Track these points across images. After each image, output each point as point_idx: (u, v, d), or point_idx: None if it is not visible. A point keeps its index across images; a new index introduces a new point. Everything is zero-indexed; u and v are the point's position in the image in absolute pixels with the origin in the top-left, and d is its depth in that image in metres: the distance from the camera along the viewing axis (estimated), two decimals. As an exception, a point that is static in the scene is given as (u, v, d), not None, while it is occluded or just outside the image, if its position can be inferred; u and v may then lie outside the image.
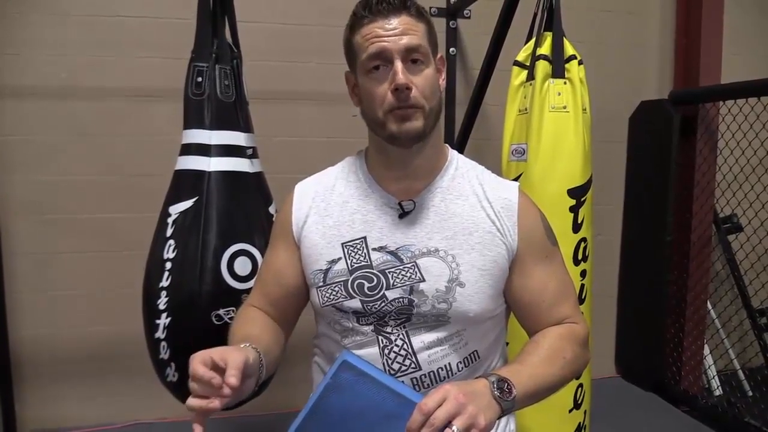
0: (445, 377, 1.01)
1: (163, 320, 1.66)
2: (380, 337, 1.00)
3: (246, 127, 1.80)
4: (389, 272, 0.99)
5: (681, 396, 3.11)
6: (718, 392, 3.21)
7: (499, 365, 1.09)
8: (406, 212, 1.02)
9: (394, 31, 0.96)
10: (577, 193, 1.90)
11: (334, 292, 1.01)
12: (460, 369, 1.02)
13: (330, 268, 1.02)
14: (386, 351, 1.00)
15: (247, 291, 1.69)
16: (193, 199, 1.69)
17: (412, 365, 0.99)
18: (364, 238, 1.01)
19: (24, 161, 2.74)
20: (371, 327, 1.00)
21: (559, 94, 1.90)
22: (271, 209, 1.83)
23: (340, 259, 1.01)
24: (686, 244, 3.06)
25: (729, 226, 3.14)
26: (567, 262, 1.85)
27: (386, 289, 0.98)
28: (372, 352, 1.00)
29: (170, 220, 1.71)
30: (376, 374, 0.90)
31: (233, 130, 1.75)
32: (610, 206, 3.28)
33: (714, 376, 3.22)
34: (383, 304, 0.98)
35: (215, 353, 0.83)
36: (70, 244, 2.82)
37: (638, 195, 3.18)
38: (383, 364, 1.00)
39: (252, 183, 1.78)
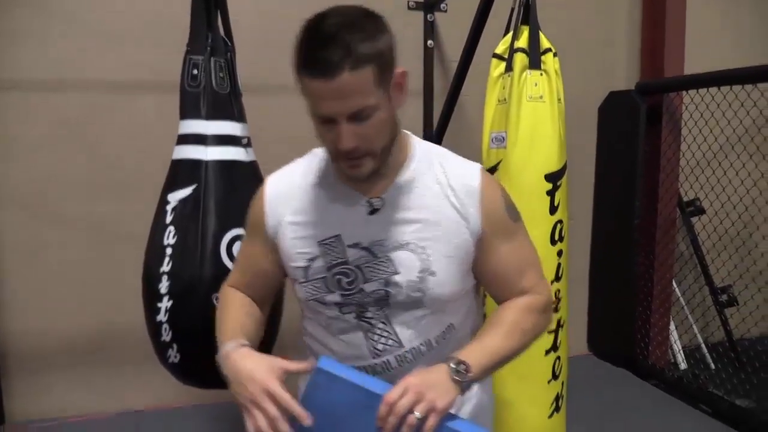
0: (426, 351, 1.10)
1: (165, 303, 1.73)
2: (362, 323, 1.08)
3: (240, 117, 1.87)
4: (365, 267, 1.05)
5: (650, 370, 3.28)
6: (683, 366, 3.39)
7: (471, 332, 1.19)
8: (375, 209, 1.06)
9: (337, 93, 0.91)
10: (554, 178, 2.02)
11: (315, 288, 1.08)
12: (439, 342, 1.11)
13: (309, 266, 1.08)
14: (369, 335, 1.08)
15: (246, 274, 1.79)
16: (192, 187, 1.76)
17: (395, 344, 1.08)
18: (339, 235, 1.06)
19: (11, 154, 2.76)
20: (353, 315, 1.08)
21: (536, 84, 2.02)
22: (266, 196, 1.91)
23: (317, 257, 1.07)
24: (653, 226, 3.22)
25: (692, 210, 3.31)
26: (544, 243, 1.99)
27: (363, 283, 1.05)
28: (356, 336, 1.09)
29: (169, 208, 1.78)
30: (350, 375, 0.98)
31: (229, 121, 1.83)
32: (581, 192, 3.44)
33: (679, 351, 3.40)
34: (362, 297, 1.06)
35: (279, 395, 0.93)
36: (58, 237, 2.85)
37: (607, 181, 3.34)
38: (368, 346, 1.08)
39: (247, 171, 1.85)
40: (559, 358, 2.10)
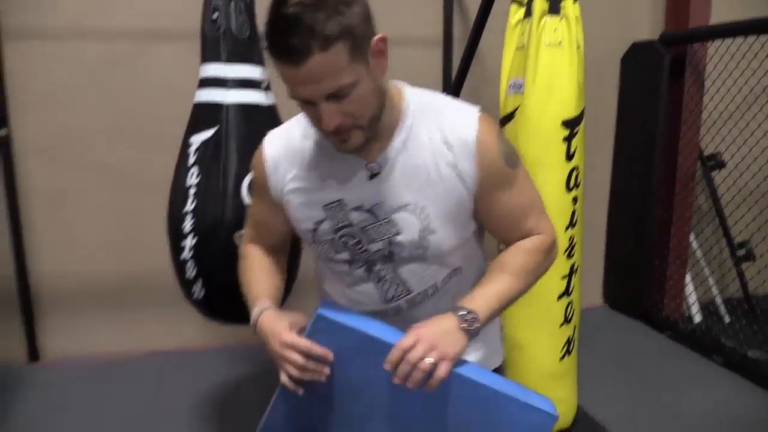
0: (433, 293, 1.14)
1: (189, 242, 1.81)
2: (371, 275, 1.13)
3: (260, 61, 1.90)
4: (368, 228, 1.07)
5: (664, 322, 3.32)
6: (698, 319, 3.41)
7: (476, 269, 1.22)
8: (374, 174, 1.06)
9: (309, 78, 0.89)
10: (571, 124, 2.02)
11: (324, 248, 1.12)
12: (446, 283, 1.15)
13: (316, 228, 1.10)
14: (379, 284, 1.12)
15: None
16: (214, 129, 1.81)
17: (405, 290, 1.13)
18: (341, 200, 1.07)
19: (35, 103, 2.83)
20: (363, 269, 1.12)
21: (555, 30, 2.01)
22: (285, 139, 1.97)
23: (324, 220, 1.09)
24: (672, 179, 3.21)
25: (713, 164, 3.29)
26: (560, 189, 2.01)
27: (368, 244, 1.09)
28: (368, 286, 1.13)
29: (192, 150, 1.84)
30: (349, 321, 1.01)
31: (248, 64, 1.86)
32: (601, 143, 3.43)
33: (694, 303, 3.41)
34: (368, 255, 1.10)
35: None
36: (83, 184, 2.94)
37: (628, 133, 3.32)
38: (379, 295, 1.14)
39: (267, 114, 1.89)
40: (571, 303, 2.15)
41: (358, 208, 1.07)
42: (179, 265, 1.87)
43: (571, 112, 2.02)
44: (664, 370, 2.90)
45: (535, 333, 2.13)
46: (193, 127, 1.87)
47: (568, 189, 2.04)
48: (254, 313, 1.10)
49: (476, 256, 1.22)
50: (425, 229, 1.06)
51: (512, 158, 1.10)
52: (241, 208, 1.78)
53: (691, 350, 3.10)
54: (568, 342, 2.17)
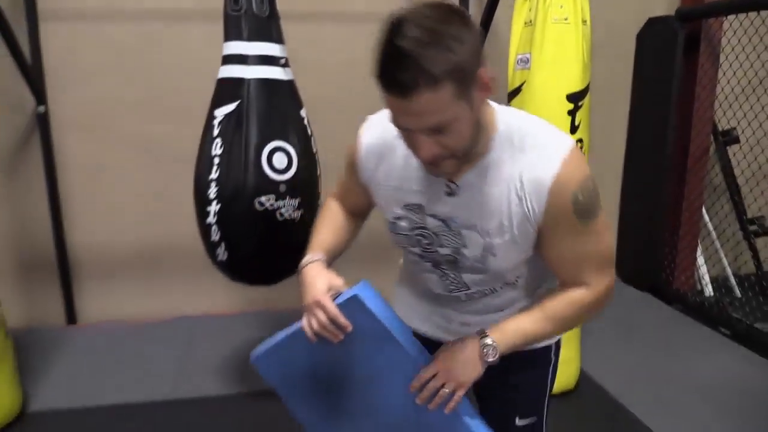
0: (490, 293, 1.22)
1: (214, 207, 1.95)
2: (437, 271, 1.21)
3: (279, 39, 2.02)
4: (440, 234, 1.13)
5: (674, 295, 3.39)
6: (709, 293, 3.47)
7: (537, 280, 1.25)
8: (453, 193, 1.10)
9: (412, 111, 0.91)
10: (575, 98, 2.11)
11: (399, 238, 1.20)
12: (503, 287, 1.20)
13: (396, 222, 1.18)
14: (443, 278, 1.20)
15: (284, 182, 1.98)
16: (236, 103, 1.94)
17: (464, 287, 1.22)
18: (421, 205, 1.13)
19: (72, 81, 2.99)
20: (430, 264, 1.20)
21: (561, 6, 2.08)
22: (302, 112, 2.08)
23: (403, 217, 1.16)
24: (685, 154, 3.26)
25: (727, 139, 3.32)
26: None
27: (438, 247, 1.15)
28: (433, 277, 1.22)
29: (216, 122, 1.97)
30: (380, 315, 1.10)
31: (268, 42, 1.98)
32: (616, 119, 3.49)
33: (704, 276, 3.47)
34: (437, 255, 1.17)
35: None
36: (117, 157, 3.11)
37: (642, 108, 3.37)
38: (442, 286, 1.23)
39: (286, 89, 2.02)
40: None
41: (434, 216, 1.13)
42: (205, 230, 2.02)
43: (575, 86, 2.10)
44: (669, 340, 2.98)
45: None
46: (217, 101, 2.00)
47: None
48: (305, 258, 1.20)
49: (537, 268, 1.23)
50: (487, 250, 1.11)
51: (586, 211, 1.06)
52: (260, 177, 1.92)
53: (698, 322, 3.17)
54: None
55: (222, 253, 2.00)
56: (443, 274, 1.20)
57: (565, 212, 1.03)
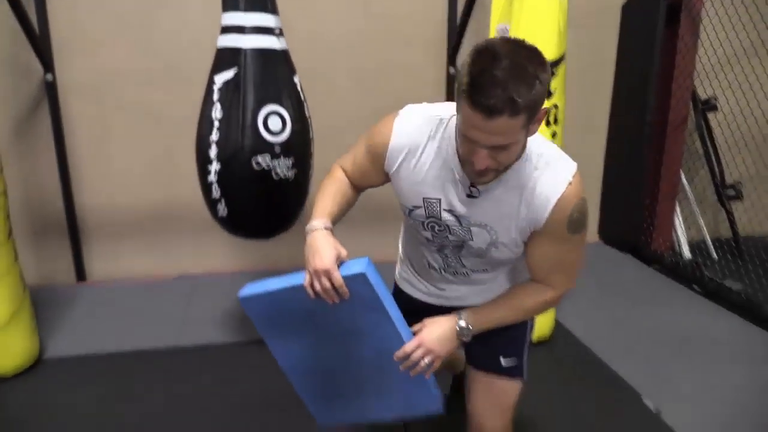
0: (483, 271, 1.43)
1: (214, 166, 2.12)
2: (441, 252, 1.41)
3: (274, 10, 2.16)
4: (452, 227, 1.31)
5: (652, 256, 3.57)
6: (687, 256, 3.64)
7: (509, 270, 1.47)
8: (473, 197, 1.27)
9: (489, 130, 1.05)
10: (551, 66, 2.25)
11: (413, 223, 1.38)
12: (495, 269, 1.42)
13: (413, 210, 1.34)
14: (445, 259, 1.41)
15: (279, 143, 2.15)
16: (234, 70, 2.09)
17: (462, 267, 1.43)
18: (440, 200, 1.29)
19: (78, 49, 3.13)
20: (436, 247, 1.40)
21: (539, -22, 2.22)
22: (296, 79, 2.24)
23: (420, 207, 1.32)
24: (665, 122, 3.41)
25: (706, 107, 3.46)
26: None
27: (448, 235, 1.34)
28: (435, 256, 1.43)
29: (215, 87, 2.13)
30: (381, 295, 1.26)
31: (264, 13, 2.12)
32: (601, 90, 3.63)
33: (682, 239, 3.63)
34: (445, 241, 1.36)
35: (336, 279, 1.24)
36: (122, 122, 3.27)
37: (625, 78, 3.51)
38: (442, 264, 1.44)
39: (280, 57, 2.17)
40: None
41: (449, 211, 1.30)
42: (206, 188, 2.19)
43: (551, 55, 2.24)
44: (644, 297, 3.17)
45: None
46: (217, 68, 2.15)
47: (547, 124, 2.29)
48: (313, 223, 1.34)
49: (518, 260, 1.45)
50: (491, 245, 1.31)
51: (576, 226, 1.26)
52: (257, 138, 2.08)
53: (674, 282, 3.36)
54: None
55: (222, 209, 2.17)
56: (446, 256, 1.41)
57: (560, 224, 1.23)
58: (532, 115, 1.06)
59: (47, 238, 3.36)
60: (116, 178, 3.34)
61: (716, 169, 3.57)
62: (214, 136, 2.10)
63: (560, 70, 2.29)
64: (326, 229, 1.31)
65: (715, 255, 3.68)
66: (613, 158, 3.67)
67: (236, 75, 2.10)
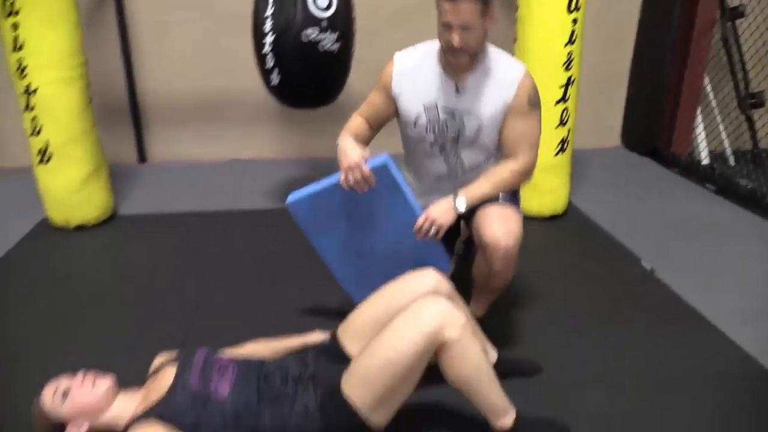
0: (476, 167, 1.82)
1: (269, 39, 2.40)
2: (443, 153, 1.81)
3: None
4: (448, 121, 1.75)
5: (670, 158, 3.74)
6: (706, 162, 3.78)
7: (495, 157, 1.85)
8: (459, 91, 1.72)
9: (457, 11, 1.53)
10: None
11: (419, 131, 1.78)
12: (485, 163, 1.83)
13: (417, 120, 1.76)
14: (447, 160, 1.82)
15: (326, 18, 2.40)
16: (286, -49, 2.34)
17: (461, 163, 1.82)
18: (436, 103, 1.73)
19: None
20: (438, 148, 1.80)
21: None
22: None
23: (422, 113, 1.75)
24: (691, 27, 3.51)
25: (734, 13, 3.55)
26: (562, 9, 2.46)
27: (447, 130, 1.76)
28: (439, 160, 1.82)
29: (270, -32, 2.38)
30: (400, 181, 1.65)
31: None
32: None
33: (701, 145, 3.77)
34: (444, 137, 1.77)
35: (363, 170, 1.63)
36: (181, 14, 3.54)
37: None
38: (446, 165, 1.83)
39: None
40: (567, 108, 2.64)
41: (445, 110, 1.74)
42: (261, 59, 2.48)
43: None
44: (657, 191, 3.37)
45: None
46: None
47: (569, 11, 2.49)
48: (343, 137, 1.73)
49: (497, 152, 1.86)
50: (479, 128, 1.74)
51: (534, 102, 1.73)
52: (307, 12, 2.35)
53: (689, 181, 3.54)
54: (563, 141, 2.70)
55: (275, 78, 2.47)
56: (447, 156, 1.81)
57: (522, 100, 1.71)
58: (486, 6, 1.55)
59: (112, 123, 3.68)
60: (175, 66, 3.64)
61: (740, 77, 3.67)
62: (269, 11, 2.37)
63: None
64: (351, 139, 1.72)
65: (732, 163, 3.83)
66: (638, 65, 3.81)
67: (289, -43, 2.34)
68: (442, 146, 1.78)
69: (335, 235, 1.82)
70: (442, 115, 1.74)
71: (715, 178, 3.40)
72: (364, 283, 1.77)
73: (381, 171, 1.63)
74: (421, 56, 1.76)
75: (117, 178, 3.38)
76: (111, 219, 2.92)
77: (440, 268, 1.69)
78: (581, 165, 3.55)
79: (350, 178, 1.62)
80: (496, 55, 1.74)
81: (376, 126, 1.87)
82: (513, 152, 1.75)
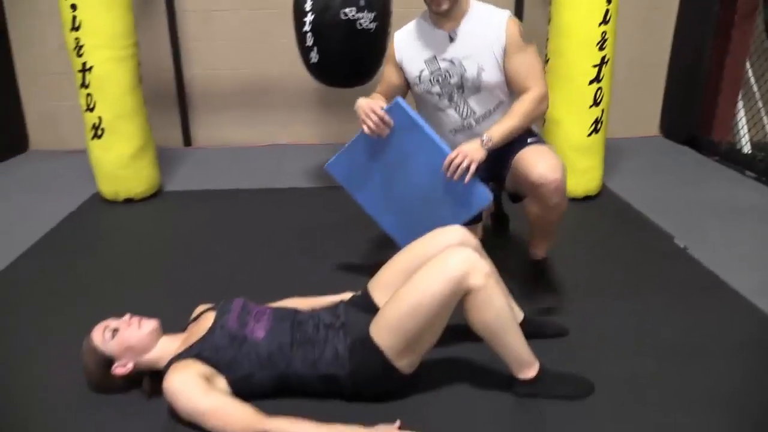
0: (488, 115, 1.92)
1: (309, 18, 2.49)
2: (452, 103, 1.92)
3: None
4: (450, 69, 1.86)
5: (709, 146, 3.69)
6: (747, 150, 3.72)
7: (507, 104, 1.92)
8: (452, 38, 1.84)
9: None
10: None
11: (425, 86, 1.91)
12: (495, 111, 1.91)
13: (421, 74, 1.90)
14: (457, 109, 1.91)
15: (363, -3, 2.49)
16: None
17: (472, 113, 1.92)
18: (434, 55, 1.87)
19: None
20: (446, 99, 1.90)
21: None
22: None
23: (424, 68, 1.89)
24: (734, 12, 3.47)
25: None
26: (595, 21, 2.53)
27: (450, 78, 1.87)
28: (451, 111, 1.92)
29: (311, -50, 2.48)
30: (414, 116, 1.76)
31: None
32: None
33: (742, 131, 3.70)
34: (449, 86, 1.88)
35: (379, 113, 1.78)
36: (226, 3, 3.68)
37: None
38: (458, 116, 1.92)
39: None
40: (601, 88, 2.66)
41: (444, 59, 1.86)
42: (301, 37, 2.57)
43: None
44: (693, 177, 3.34)
45: (569, 112, 2.70)
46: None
47: (605, 22, 2.53)
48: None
49: (507, 97, 1.94)
50: (479, 70, 1.84)
51: (525, 36, 1.83)
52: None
53: (727, 168, 3.48)
54: (596, 122, 2.71)
55: (314, 55, 2.56)
56: (456, 106, 1.91)
57: (515, 35, 1.81)
58: None
59: (160, 109, 3.80)
60: (220, 54, 3.78)
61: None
62: (310, -9, 2.47)
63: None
64: (372, 98, 1.85)
65: (775, 151, 3.75)
66: (678, 52, 3.77)
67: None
68: (450, 96, 1.89)
69: (374, 186, 1.92)
70: (442, 65, 1.86)
71: (757, 165, 3.35)
72: (409, 228, 1.84)
73: (394, 109, 1.76)
74: (414, 23, 1.94)
75: (163, 159, 3.52)
76: (157, 194, 3.06)
77: (480, 201, 1.79)
78: (618, 153, 3.55)
79: (369, 123, 1.76)
80: (479, 5, 1.87)
81: (391, 95, 1.97)
82: (524, 86, 1.83)
